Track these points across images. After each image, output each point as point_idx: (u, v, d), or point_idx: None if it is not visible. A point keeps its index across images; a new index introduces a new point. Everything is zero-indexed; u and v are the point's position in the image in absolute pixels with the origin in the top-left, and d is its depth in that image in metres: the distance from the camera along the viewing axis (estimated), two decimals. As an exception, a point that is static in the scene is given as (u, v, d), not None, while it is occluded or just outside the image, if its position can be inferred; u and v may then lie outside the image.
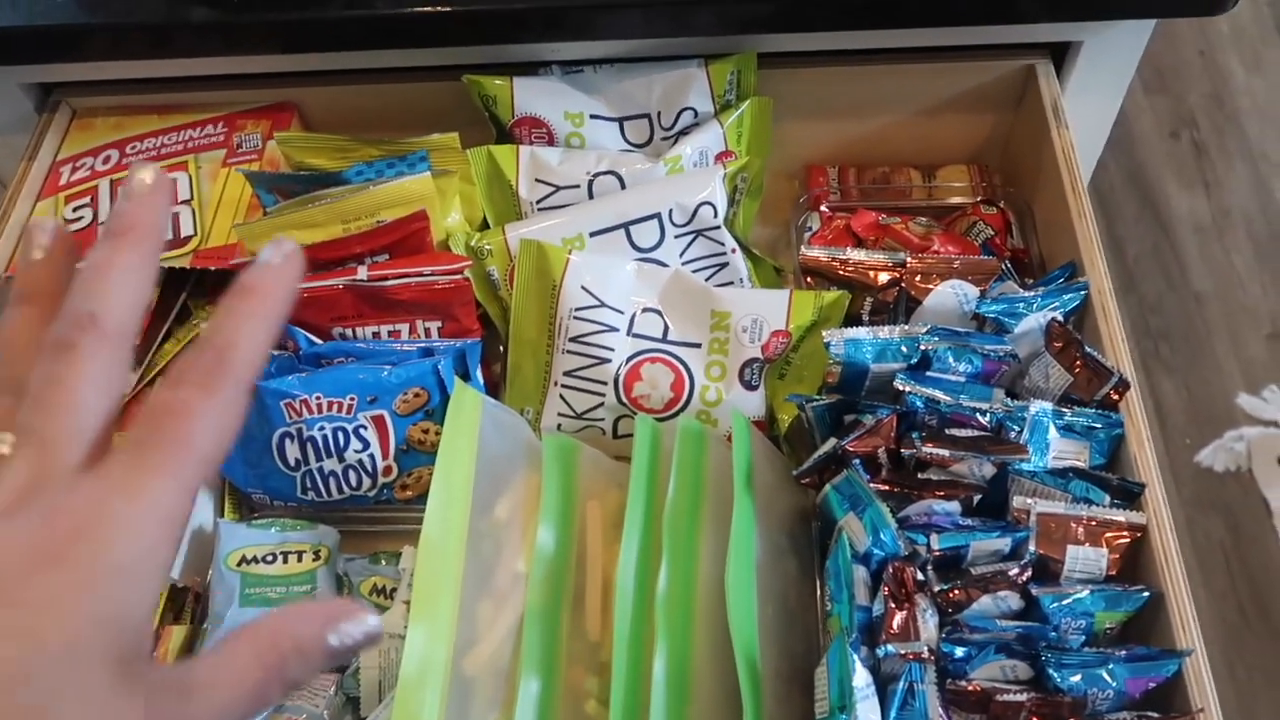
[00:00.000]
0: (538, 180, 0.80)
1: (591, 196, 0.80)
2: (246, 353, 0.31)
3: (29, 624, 0.27)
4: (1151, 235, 1.66)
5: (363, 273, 0.73)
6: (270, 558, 0.68)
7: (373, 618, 0.33)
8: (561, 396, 0.76)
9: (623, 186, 0.80)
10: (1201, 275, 1.62)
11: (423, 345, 0.74)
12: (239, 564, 0.68)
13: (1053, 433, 0.66)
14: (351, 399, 0.70)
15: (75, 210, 0.82)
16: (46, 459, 0.29)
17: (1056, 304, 0.71)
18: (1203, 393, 1.50)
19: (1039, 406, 0.66)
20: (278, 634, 0.32)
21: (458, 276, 0.74)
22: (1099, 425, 0.66)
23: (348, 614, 0.32)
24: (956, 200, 0.87)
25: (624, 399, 0.75)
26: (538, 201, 0.81)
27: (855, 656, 0.56)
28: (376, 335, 0.75)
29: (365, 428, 0.70)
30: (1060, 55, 0.84)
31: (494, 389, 0.78)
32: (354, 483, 0.71)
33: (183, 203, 0.81)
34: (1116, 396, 0.67)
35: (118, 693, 0.28)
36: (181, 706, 0.29)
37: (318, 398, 0.69)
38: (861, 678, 0.56)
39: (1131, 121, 1.78)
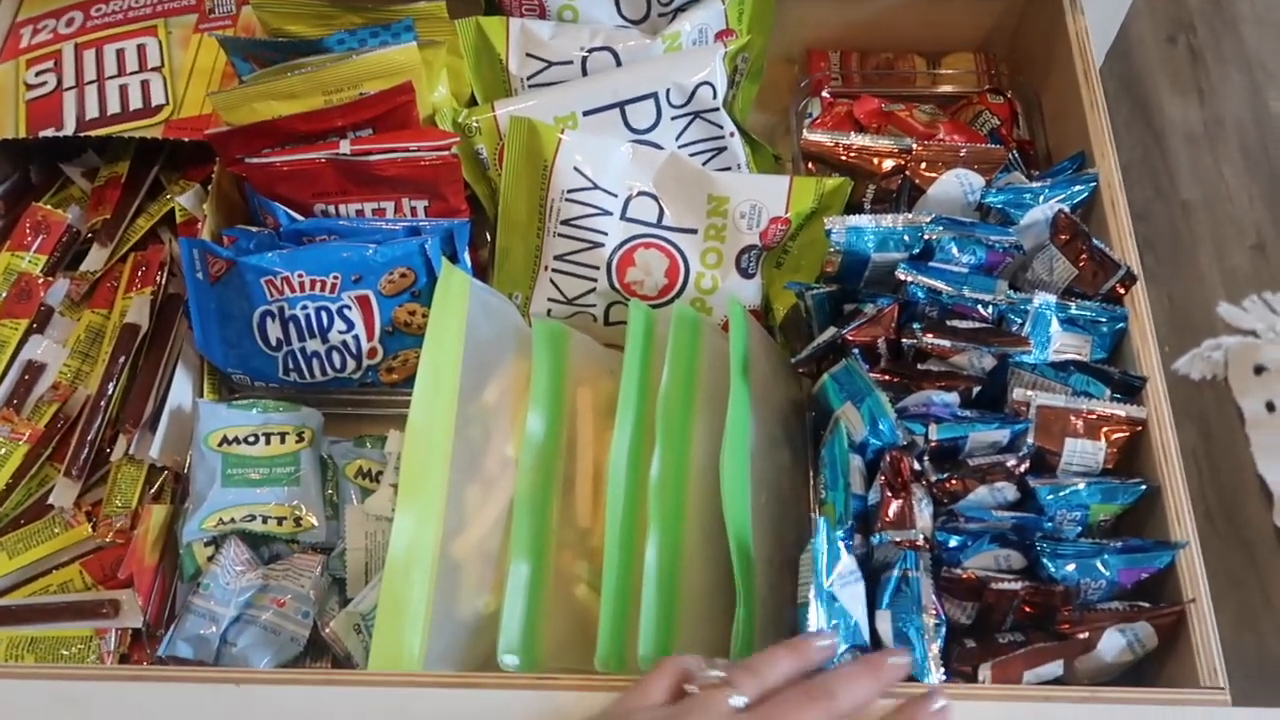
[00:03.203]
0: (529, 55, 0.76)
1: (585, 74, 0.76)
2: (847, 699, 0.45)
3: None
4: (1142, 142, 1.63)
5: (345, 147, 0.70)
6: (252, 439, 0.66)
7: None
8: (552, 281, 0.74)
9: (618, 64, 0.76)
10: (1190, 184, 1.60)
11: (409, 224, 0.71)
12: (220, 444, 0.66)
13: (1055, 326, 0.64)
14: (335, 278, 0.67)
15: (38, 75, 0.77)
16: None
17: (1064, 195, 0.69)
18: (1184, 302, 1.49)
19: (1042, 299, 0.64)
20: None
21: (446, 154, 0.71)
22: (1103, 319, 0.65)
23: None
24: (962, 89, 0.84)
25: (616, 285, 0.72)
26: (528, 77, 0.77)
27: (838, 538, 0.56)
28: (360, 213, 0.72)
29: (349, 308, 0.68)
30: (1077, -63, 0.81)
31: (482, 272, 0.76)
32: (338, 364, 0.69)
33: (153, 70, 0.77)
34: (1122, 290, 0.66)
35: None
36: None
37: (300, 275, 0.67)
38: (847, 565, 0.56)
39: (1129, 23, 1.74)
